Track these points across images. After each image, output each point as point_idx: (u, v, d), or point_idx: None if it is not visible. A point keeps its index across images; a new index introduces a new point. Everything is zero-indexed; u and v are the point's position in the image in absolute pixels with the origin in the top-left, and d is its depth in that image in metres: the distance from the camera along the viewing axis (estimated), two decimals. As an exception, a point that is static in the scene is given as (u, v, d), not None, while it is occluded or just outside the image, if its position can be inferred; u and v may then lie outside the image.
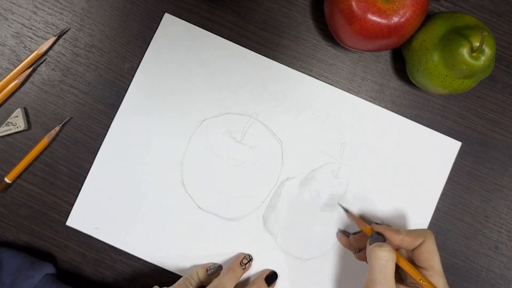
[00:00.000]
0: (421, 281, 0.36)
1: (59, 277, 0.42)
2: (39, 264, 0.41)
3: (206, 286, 0.39)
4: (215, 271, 0.42)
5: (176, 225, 0.43)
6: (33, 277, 0.39)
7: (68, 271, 0.44)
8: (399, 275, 0.39)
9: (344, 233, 0.43)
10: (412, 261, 0.38)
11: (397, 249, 0.39)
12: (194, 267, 0.43)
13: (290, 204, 0.44)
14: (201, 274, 0.41)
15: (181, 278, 0.40)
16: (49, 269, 0.41)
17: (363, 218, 0.43)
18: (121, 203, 0.43)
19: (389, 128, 0.44)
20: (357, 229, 0.42)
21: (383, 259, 0.35)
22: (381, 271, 0.35)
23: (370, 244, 0.37)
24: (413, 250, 0.37)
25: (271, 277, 0.42)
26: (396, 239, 0.37)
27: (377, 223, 0.40)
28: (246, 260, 0.42)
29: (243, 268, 0.41)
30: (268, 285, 0.42)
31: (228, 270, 0.41)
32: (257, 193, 0.44)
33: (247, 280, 0.43)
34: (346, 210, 0.43)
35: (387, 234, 0.38)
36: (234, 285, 0.40)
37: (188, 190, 0.44)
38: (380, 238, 0.37)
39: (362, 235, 0.41)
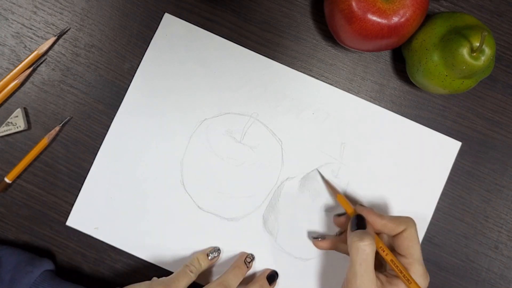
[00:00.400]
0: (399, 270, 0.36)
1: (58, 275, 0.42)
2: (38, 260, 0.41)
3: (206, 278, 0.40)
4: (216, 255, 0.42)
5: (176, 225, 0.43)
6: (32, 272, 0.39)
7: (68, 271, 0.44)
8: (379, 261, 0.39)
9: (317, 238, 0.43)
10: (392, 247, 0.39)
11: (378, 234, 0.39)
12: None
13: (290, 204, 0.44)
14: (202, 260, 0.41)
15: (181, 266, 0.40)
16: (48, 265, 0.41)
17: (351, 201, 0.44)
18: (121, 203, 0.44)
19: (389, 128, 0.44)
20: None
21: (364, 253, 0.35)
22: (362, 264, 0.35)
23: (351, 230, 0.37)
24: (394, 236, 0.38)
25: (273, 276, 0.43)
26: (379, 223, 0.38)
27: (361, 205, 0.40)
28: (249, 259, 0.42)
29: (247, 267, 0.42)
30: (270, 284, 0.42)
31: (233, 268, 0.41)
32: (257, 193, 0.44)
33: (248, 278, 0.43)
34: (328, 184, 0.43)
35: (370, 217, 0.38)
36: (238, 282, 0.40)
37: (188, 190, 0.44)
38: (361, 222, 0.37)
39: (346, 217, 0.41)
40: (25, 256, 0.41)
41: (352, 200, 0.44)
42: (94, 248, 0.44)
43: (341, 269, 0.44)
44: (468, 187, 0.44)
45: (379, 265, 0.39)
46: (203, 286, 0.39)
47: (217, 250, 0.42)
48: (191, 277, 0.39)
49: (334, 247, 0.42)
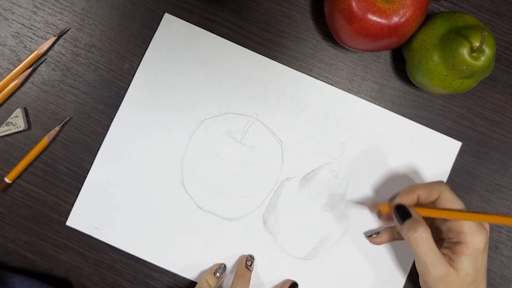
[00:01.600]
0: (470, 216, 0.36)
1: (57, 276, 0.42)
2: None
3: None
4: (222, 271, 0.42)
5: (176, 225, 0.43)
6: None
7: (68, 271, 0.44)
8: (436, 236, 0.39)
9: (371, 236, 0.43)
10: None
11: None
12: (196, 266, 0.43)
13: (290, 204, 0.44)
14: (210, 280, 0.41)
15: None
16: None
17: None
18: (121, 203, 0.43)
19: (389, 128, 0.44)
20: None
21: (423, 241, 0.35)
22: (427, 253, 0.35)
23: (400, 223, 0.37)
24: (434, 203, 0.38)
25: (294, 286, 0.43)
26: (413, 198, 0.38)
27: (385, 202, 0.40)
28: (249, 261, 0.42)
29: (249, 270, 0.42)
30: None
31: (238, 278, 0.41)
32: (257, 193, 0.44)
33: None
34: (362, 205, 0.43)
35: (404, 198, 0.38)
36: None
37: (188, 190, 0.44)
38: (404, 212, 0.37)
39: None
40: (37, 285, 0.41)
41: (357, 200, 0.44)
42: (94, 248, 0.44)
43: (341, 269, 0.44)
44: (468, 187, 0.44)
45: (438, 239, 0.39)
46: None
47: (222, 267, 0.42)
48: None
49: (392, 238, 0.42)
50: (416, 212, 0.37)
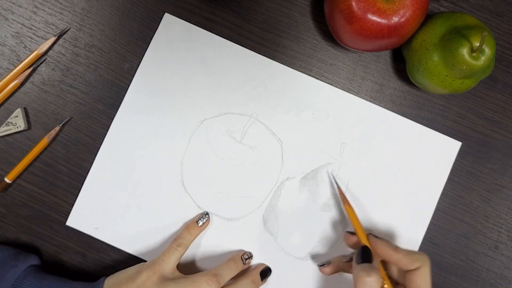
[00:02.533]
0: None
1: (57, 273, 0.42)
2: (23, 255, 0.41)
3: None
4: (205, 220, 0.42)
5: (176, 225, 0.43)
6: (17, 266, 0.39)
7: (68, 271, 0.44)
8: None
9: (323, 265, 0.42)
10: (400, 281, 0.38)
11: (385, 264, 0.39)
12: (196, 266, 0.43)
13: (290, 204, 0.44)
14: (192, 228, 0.41)
15: (172, 241, 0.40)
16: (34, 260, 0.41)
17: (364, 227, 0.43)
18: (121, 203, 0.44)
19: (389, 128, 0.44)
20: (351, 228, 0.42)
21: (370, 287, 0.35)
22: None
23: (357, 262, 0.37)
24: (407, 271, 0.37)
25: (266, 271, 0.43)
26: (393, 257, 0.37)
27: (374, 235, 0.39)
28: (247, 256, 0.42)
29: (243, 263, 0.42)
30: (262, 279, 0.42)
31: (228, 260, 0.41)
32: (257, 193, 0.44)
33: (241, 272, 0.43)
34: (347, 203, 0.42)
35: (384, 250, 0.37)
36: (232, 276, 0.40)
37: (188, 190, 0.44)
38: (368, 256, 0.37)
39: (357, 239, 0.40)
40: (11, 252, 0.41)
41: (354, 201, 0.44)
42: (94, 248, 0.44)
43: (341, 269, 0.44)
44: (468, 187, 0.44)
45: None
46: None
47: (205, 214, 0.42)
48: (179, 251, 0.40)
49: (341, 269, 0.41)
50: (378, 263, 0.37)
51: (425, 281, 0.36)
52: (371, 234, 0.39)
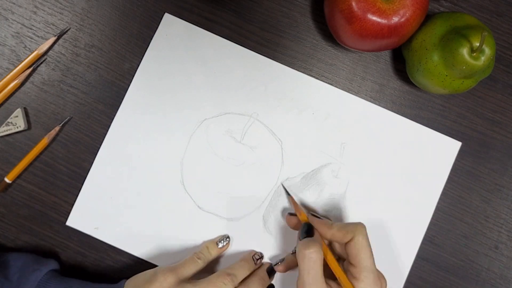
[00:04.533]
0: (340, 279, 0.35)
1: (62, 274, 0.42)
2: (44, 260, 0.41)
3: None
4: (226, 243, 0.42)
5: (176, 225, 0.43)
6: (39, 270, 0.40)
7: (68, 271, 0.44)
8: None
9: (277, 264, 0.42)
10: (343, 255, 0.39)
11: (330, 243, 0.39)
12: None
13: (290, 204, 0.44)
14: (212, 248, 0.41)
15: (192, 254, 0.40)
16: (54, 265, 0.41)
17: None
18: (121, 203, 0.43)
19: (389, 128, 0.44)
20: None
21: (311, 260, 0.35)
22: (310, 273, 0.35)
23: (299, 239, 0.37)
24: (345, 244, 0.37)
25: (272, 270, 0.42)
26: (328, 233, 0.37)
27: (313, 215, 0.40)
28: (258, 256, 0.42)
29: (255, 263, 0.42)
30: (269, 277, 0.42)
31: (241, 260, 0.41)
32: (257, 193, 0.44)
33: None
34: (288, 194, 0.43)
35: (318, 227, 0.38)
36: (245, 275, 0.40)
37: (188, 190, 0.44)
38: (309, 231, 0.37)
39: (298, 221, 0.41)
40: (31, 257, 0.41)
41: (354, 201, 0.44)
42: (94, 248, 0.44)
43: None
44: (468, 187, 0.44)
45: (332, 274, 0.38)
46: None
47: (226, 238, 0.43)
48: (199, 264, 0.40)
49: (294, 266, 0.41)
50: (319, 237, 0.37)
51: (359, 250, 0.36)
52: (311, 213, 0.40)
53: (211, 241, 0.42)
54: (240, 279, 0.40)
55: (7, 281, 0.39)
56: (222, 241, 0.42)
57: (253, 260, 0.42)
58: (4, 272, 0.39)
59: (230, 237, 0.43)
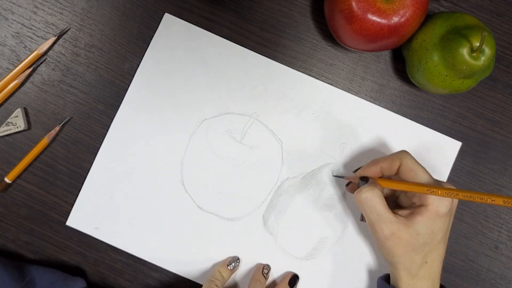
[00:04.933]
0: (428, 191, 0.35)
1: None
2: (71, 279, 0.41)
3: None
4: (236, 264, 0.42)
5: (176, 225, 0.43)
6: None
7: (68, 272, 0.44)
8: (400, 201, 0.40)
9: (347, 185, 0.43)
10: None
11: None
12: (196, 266, 0.43)
13: (290, 204, 0.44)
14: (223, 271, 0.42)
15: (206, 282, 0.40)
16: (82, 283, 0.41)
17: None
18: (121, 203, 0.43)
19: (389, 128, 0.44)
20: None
21: (367, 200, 0.36)
22: (372, 212, 0.36)
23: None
24: (397, 174, 0.38)
25: (294, 279, 0.43)
26: (376, 170, 0.38)
27: (357, 170, 0.40)
28: (266, 270, 0.43)
29: (265, 278, 0.42)
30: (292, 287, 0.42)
31: (254, 281, 0.41)
32: (257, 193, 0.44)
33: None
34: (341, 177, 0.43)
35: (366, 170, 0.38)
36: None
37: (188, 190, 0.44)
38: (363, 179, 0.38)
39: (354, 185, 0.42)
40: (58, 276, 0.41)
41: (354, 201, 0.44)
42: (94, 248, 0.44)
43: (341, 269, 0.44)
44: (468, 187, 0.44)
45: (396, 206, 0.39)
46: None
47: (236, 260, 0.43)
48: None
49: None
50: (374, 180, 0.37)
51: (413, 170, 0.36)
52: (354, 171, 0.41)
53: (222, 264, 0.42)
54: None
55: None
56: (232, 263, 0.42)
57: (263, 275, 0.42)
58: None
59: (240, 258, 0.43)
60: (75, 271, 0.44)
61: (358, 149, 0.44)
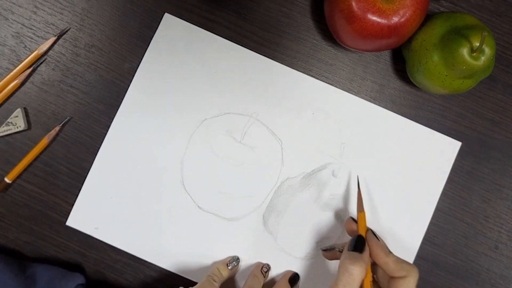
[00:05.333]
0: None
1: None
2: (71, 274, 0.42)
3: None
4: (235, 264, 0.42)
5: (176, 225, 0.43)
6: (67, 285, 0.40)
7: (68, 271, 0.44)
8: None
9: (326, 250, 0.41)
10: (383, 284, 0.37)
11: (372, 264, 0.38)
12: (196, 266, 0.43)
13: (290, 204, 0.44)
14: (223, 270, 0.41)
15: (204, 277, 0.40)
16: (81, 279, 0.42)
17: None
18: (121, 203, 0.43)
19: (389, 128, 0.44)
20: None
21: (351, 277, 0.34)
22: (345, 286, 0.34)
23: (348, 249, 0.36)
24: (391, 277, 0.36)
25: (294, 278, 0.42)
26: (381, 260, 0.36)
27: (373, 232, 0.38)
28: (266, 268, 0.43)
29: (264, 276, 0.42)
30: (292, 286, 0.41)
31: (252, 277, 0.41)
32: (257, 193, 0.44)
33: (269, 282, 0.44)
34: (359, 187, 0.42)
35: (374, 249, 0.36)
36: None
37: (188, 190, 0.44)
38: (359, 245, 0.36)
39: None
40: (58, 271, 0.42)
41: (353, 201, 0.44)
42: (94, 248, 0.44)
43: (341, 269, 0.44)
44: (468, 187, 0.44)
45: None
46: None
47: (236, 259, 0.43)
48: (215, 286, 0.39)
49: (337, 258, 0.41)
50: (367, 257, 0.36)
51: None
52: (371, 230, 0.38)
53: (222, 262, 0.42)
54: None
55: None
56: (232, 263, 0.42)
57: (262, 273, 0.42)
58: (31, 285, 0.40)
59: (239, 258, 0.43)
60: (75, 271, 0.44)
61: (358, 149, 0.44)
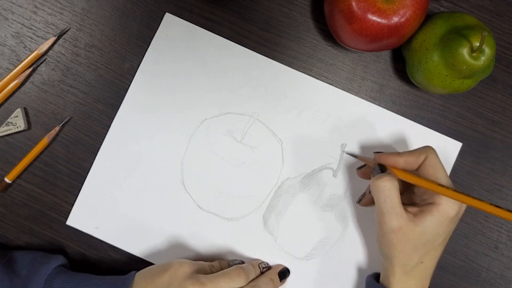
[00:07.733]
0: (444, 191, 0.35)
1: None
2: (52, 255, 0.41)
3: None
4: (266, 269, 0.42)
5: (176, 225, 0.43)
6: (48, 264, 0.40)
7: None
8: (410, 198, 0.39)
9: (360, 200, 0.42)
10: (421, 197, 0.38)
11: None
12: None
13: (290, 204, 0.44)
14: (256, 269, 0.41)
15: (236, 267, 0.40)
16: (62, 260, 0.41)
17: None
18: (121, 203, 0.43)
19: (389, 128, 0.44)
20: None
21: (385, 189, 0.35)
22: (386, 201, 0.35)
23: (372, 177, 0.38)
24: (418, 169, 0.38)
25: (284, 272, 0.43)
26: (400, 161, 0.37)
27: (378, 152, 0.39)
28: (264, 265, 0.42)
29: (260, 271, 0.42)
30: (280, 280, 0.42)
31: (248, 264, 0.41)
32: (257, 193, 0.44)
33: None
34: (354, 156, 0.43)
35: (390, 159, 0.38)
36: (253, 277, 0.40)
37: (188, 190, 0.44)
38: (381, 169, 0.38)
39: (367, 169, 0.41)
40: (38, 253, 0.42)
41: (354, 201, 0.44)
42: (94, 248, 0.44)
43: (341, 269, 0.44)
44: (468, 187, 0.44)
45: (409, 201, 0.39)
46: None
47: (267, 265, 0.43)
48: (242, 279, 0.39)
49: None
50: (392, 171, 0.37)
51: (435, 167, 0.36)
52: (375, 152, 0.40)
53: (255, 262, 0.42)
54: (251, 278, 0.40)
55: (16, 275, 0.39)
56: (263, 267, 0.42)
57: (259, 268, 0.42)
58: (12, 267, 0.40)
59: (243, 261, 0.43)
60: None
61: (358, 149, 0.44)
